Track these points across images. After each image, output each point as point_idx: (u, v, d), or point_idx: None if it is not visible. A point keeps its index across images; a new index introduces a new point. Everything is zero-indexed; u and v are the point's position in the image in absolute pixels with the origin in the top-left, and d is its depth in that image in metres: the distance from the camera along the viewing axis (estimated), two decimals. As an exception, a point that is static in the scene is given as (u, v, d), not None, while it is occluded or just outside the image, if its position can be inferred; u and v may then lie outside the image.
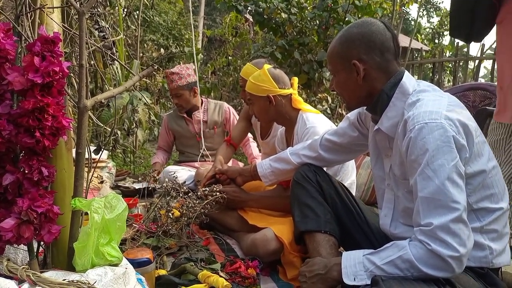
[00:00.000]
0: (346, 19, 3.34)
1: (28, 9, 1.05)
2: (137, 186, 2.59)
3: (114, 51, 2.71)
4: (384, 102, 1.15)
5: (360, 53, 1.14)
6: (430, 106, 1.03)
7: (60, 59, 0.96)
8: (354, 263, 1.05)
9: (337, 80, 1.22)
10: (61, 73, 0.95)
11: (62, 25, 1.19)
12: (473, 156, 1.02)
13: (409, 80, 1.14)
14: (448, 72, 8.08)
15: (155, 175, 2.52)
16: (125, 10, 4.21)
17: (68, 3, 1.02)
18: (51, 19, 1.12)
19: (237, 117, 2.85)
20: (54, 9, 1.13)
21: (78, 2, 1.16)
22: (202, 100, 2.84)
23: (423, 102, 1.06)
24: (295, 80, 1.82)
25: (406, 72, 1.16)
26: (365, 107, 1.26)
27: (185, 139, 2.87)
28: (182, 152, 2.94)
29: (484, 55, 4.75)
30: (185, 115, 2.81)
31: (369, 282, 1.01)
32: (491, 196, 1.06)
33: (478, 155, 1.04)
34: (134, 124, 3.09)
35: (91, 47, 1.39)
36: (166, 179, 2.04)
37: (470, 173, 1.02)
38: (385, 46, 1.13)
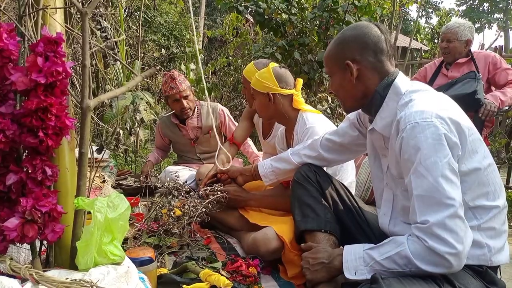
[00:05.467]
0: (346, 19, 3.34)
1: (31, 9, 1.06)
2: (138, 184, 2.59)
3: (116, 51, 2.72)
4: (378, 102, 1.16)
5: (354, 54, 1.16)
6: (421, 105, 1.04)
7: (63, 59, 0.97)
8: (355, 257, 1.07)
9: (332, 82, 1.25)
10: (64, 73, 0.96)
11: (65, 25, 1.20)
12: (467, 154, 1.03)
13: (402, 80, 1.15)
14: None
15: (143, 177, 2.53)
16: (127, 10, 4.22)
17: (70, 3, 1.02)
18: (54, 19, 1.12)
19: (232, 118, 2.85)
20: (57, 9, 1.14)
21: (80, 3, 1.17)
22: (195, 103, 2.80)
23: (415, 102, 1.07)
24: (299, 81, 1.83)
25: (400, 73, 1.17)
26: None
27: (180, 145, 2.87)
28: (180, 155, 2.95)
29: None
30: (178, 123, 2.76)
31: (369, 277, 1.02)
32: (487, 194, 1.06)
33: (472, 153, 1.04)
34: (136, 123, 3.10)
35: (94, 47, 1.40)
36: (168, 179, 2.05)
37: (464, 171, 1.02)
38: (378, 47, 1.15)
